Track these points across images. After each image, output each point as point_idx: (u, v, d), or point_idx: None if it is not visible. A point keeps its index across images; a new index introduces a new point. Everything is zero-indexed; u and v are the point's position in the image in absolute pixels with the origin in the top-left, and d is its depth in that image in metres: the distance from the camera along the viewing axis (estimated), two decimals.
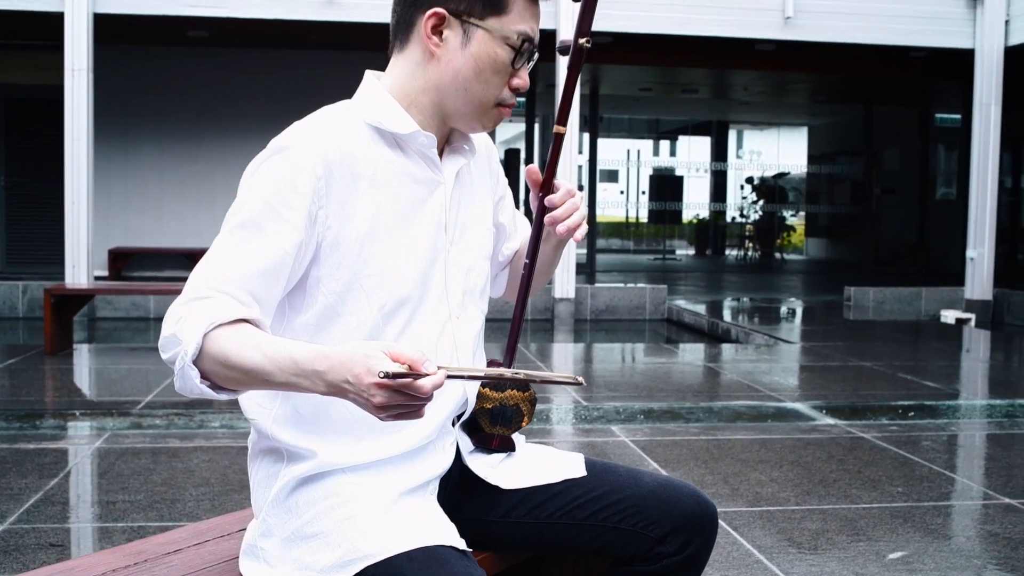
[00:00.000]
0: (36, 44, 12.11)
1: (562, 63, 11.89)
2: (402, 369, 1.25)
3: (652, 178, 21.40)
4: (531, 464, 1.70)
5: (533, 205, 1.68)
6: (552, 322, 11.11)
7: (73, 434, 4.68)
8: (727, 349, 8.14)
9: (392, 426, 1.51)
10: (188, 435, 4.59)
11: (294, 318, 1.52)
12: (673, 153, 28.22)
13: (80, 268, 9.69)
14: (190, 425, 4.81)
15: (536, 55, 1.57)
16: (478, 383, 1.66)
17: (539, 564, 1.87)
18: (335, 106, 1.57)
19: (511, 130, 24.73)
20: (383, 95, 1.55)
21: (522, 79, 1.55)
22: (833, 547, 3.19)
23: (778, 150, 23.28)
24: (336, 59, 12.72)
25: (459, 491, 1.66)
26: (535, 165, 1.67)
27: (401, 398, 1.26)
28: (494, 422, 1.67)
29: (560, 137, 1.67)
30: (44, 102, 12.21)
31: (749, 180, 21.07)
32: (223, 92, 13.15)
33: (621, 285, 12.06)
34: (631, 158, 22.38)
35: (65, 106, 9.92)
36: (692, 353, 8.06)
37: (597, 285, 11.98)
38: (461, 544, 1.47)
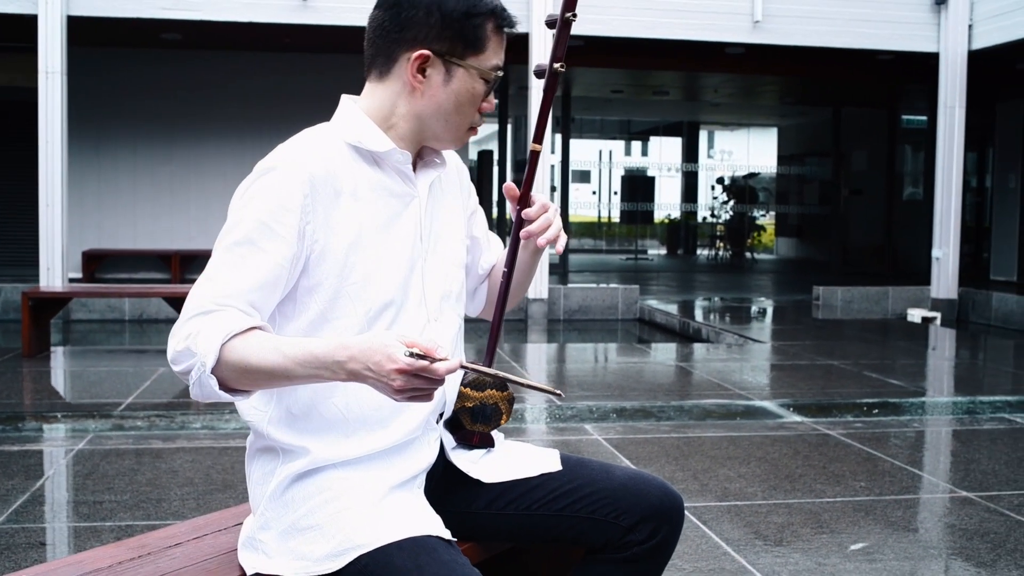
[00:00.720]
0: (10, 46, 12.10)
1: (537, 82, 12.05)
2: (421, 353, 1.38)
3: (624, 179, 21.58)
4: (510, 459, 1.82)
5: (513, 216, 1.81)
6: (526, 322, 11.23)
7: (56, 436, 4.75)
8: (698, 348, 8.29)
9: (379, 423, 1.65)
10: (170, 436, 4.67)
11: (285, 325, 1.63)
12: (645, 154, 28.44)
13: (55, 271, 9.72)
14: (171, 427, 4.89)
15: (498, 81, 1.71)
16: (456, 384, 1.77)
17: (517, 555, 1.98)
18: (316, 128, 1.68)
19: (483, 131, 24.83)
20: (361, 117, 1.67)
21: (489, 103, 1.70)
22: (797, 539, 3.33)
23: (748, 151, 23.53)
24: (310, 61, 12.80)
25: (444, 485, 1.77)
26: (511, 183, 1.79)
27: (418, 381, 1.40)
28: (475, 420, 1.79)
29: (536, 154, 1.79)
30: (18, 104, 12.21)
31: (720, 180, 21.29)
32: (197, 94, 13.18)
33: (594, 285, 12.20)
34: (603, 159, 22.54)
35: (39, 108, 9.95)
36: (663, 353, 8.21)
37: (570, 285, 12.11)
38: (446, 534, 1.58)
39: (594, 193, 23.98)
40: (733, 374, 6.74)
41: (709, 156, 29.63)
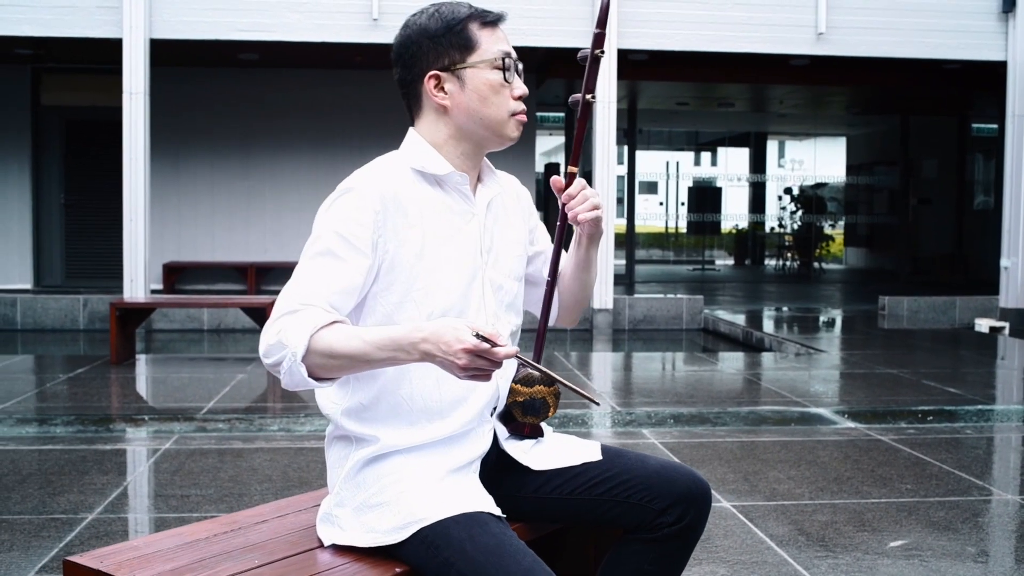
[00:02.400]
0: (96, 68, 12.68)
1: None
2: (487, 335, 1.62)
3: (691, 189, 21.63)
4: (556, 449, 2.04)
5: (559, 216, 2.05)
6: (591, 332, 11.42)
7: (144, 436, 5.08)
8: (759, 358, 8.41)
9: (439, 413, 1.89)
10: (249, 437, 4.97)
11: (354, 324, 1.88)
12: (712, 164, 28.43)
13: (138, 282, 10.17)
14: (251, 429, 5.19)
15: (520, 65, 1.95)
16: (508, 380, 2.00)
17: (564, 535, 2.20)
18: (387, 156, 1.94)
19: (550, 143, 25.09)
20: (424, 145, 1.94)
21: (520, 88, 1.94)
22: (839, 536, 3.49)
23: (817, 160, 23.41)
24: (380, 78, 13.15)
25: (497, 471, 2.00)
26: (558, 177, 2.02)
27: (480, 362, 1.63)
28: (525, 413, 2.02)
29: (573, 176, 2.02)
30: (103, 123, 12.76)
31: (788, 191, 21.24)
32: (272, 111, 13.63)
33: (658, 296, 12.35)
34: (670, 170, 22.62)
35: (123, 127, 10.43)
36: (724, 362, 8.34)
37: (635, 296, 12.28)
38: (497, 511, 1.81)
39: (661, 204, 24.06)
40: (792, 382, 6.87)
41: (779, 166, 29.53)
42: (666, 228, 23.67)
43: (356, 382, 1.89)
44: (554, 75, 12.64)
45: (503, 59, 1.89)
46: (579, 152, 2.04)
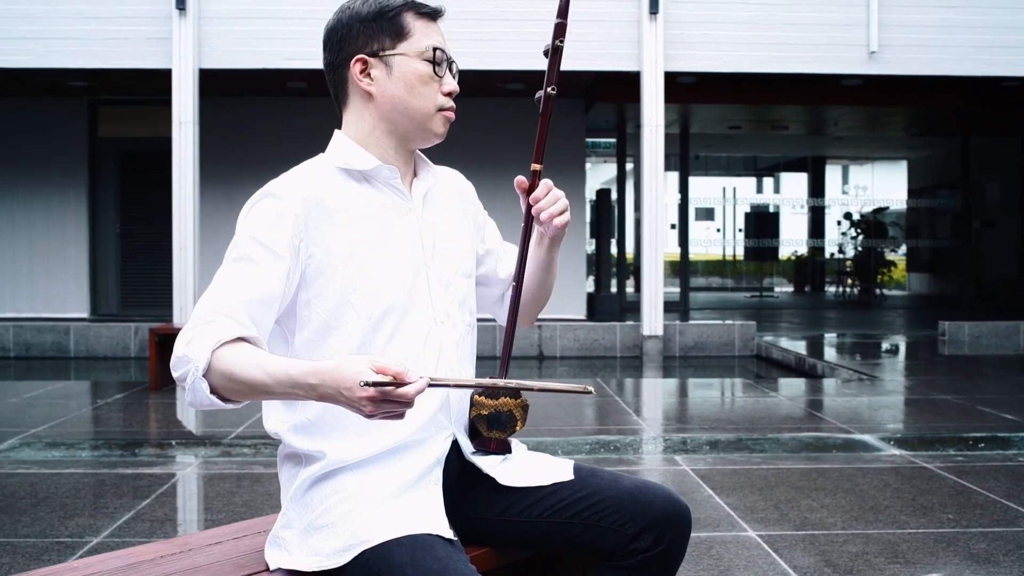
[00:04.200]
0: (149, 99, 12.87)
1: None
2: (385, 379, 1.47)
3: (748, 215, 21.33)
4: (526, 467, 1.90)
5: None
6: (641, 359, 11.24)
7: (167, 461, 5.03)
8: (809, 384, 8.16)
9: (386, 423, 1.75)
10: (271, 463, 4.90)
11: (293, 340, 1.78)
12: (769, 190, 28.06)
13: (186, 310, 10.23)
14: (275, 454, 5.11)
15: (454, 63, 1.86)
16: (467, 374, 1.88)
17: (540, 561, 2.06)
18: (311, 160, 1.85)
19: (604, 172, 24.97)
20: (347, 142, 1.85)
21: (450, 84, 1.84)
22: (869, 568, 3.29)
23: (877, 184, 22.96)
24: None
25: (460, 489, 1.87)
26: (522, 176, 1.91)
27: (388, 405, 1.50)
28: (491, 427, 1.89)
29: (536, 173, 1.91)
30: (156, 153, 12.92)
31: (847, 216, 20.83)
32: (319, 139, 13.66)
33: (710, 322, 12.12)
34: (727, 195, 22.34)
35: (173, 156, 10.55)
36: (772, 388, 8.10)
37: (685, 322, 12.06)
38: (448, 533, 1.68)
39: (718, 230, 23.77)
40: (839, 409, 6.63)
41: (844, 192, 29.04)
42: (723, 255, 23.34)
43: None
44: (603, 100, 12.53)
45: (434, 51, 1.80)
46: (542, 149, 1.93)
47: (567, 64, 11.00)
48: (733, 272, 23.35)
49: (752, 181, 27.25)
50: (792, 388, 7.92)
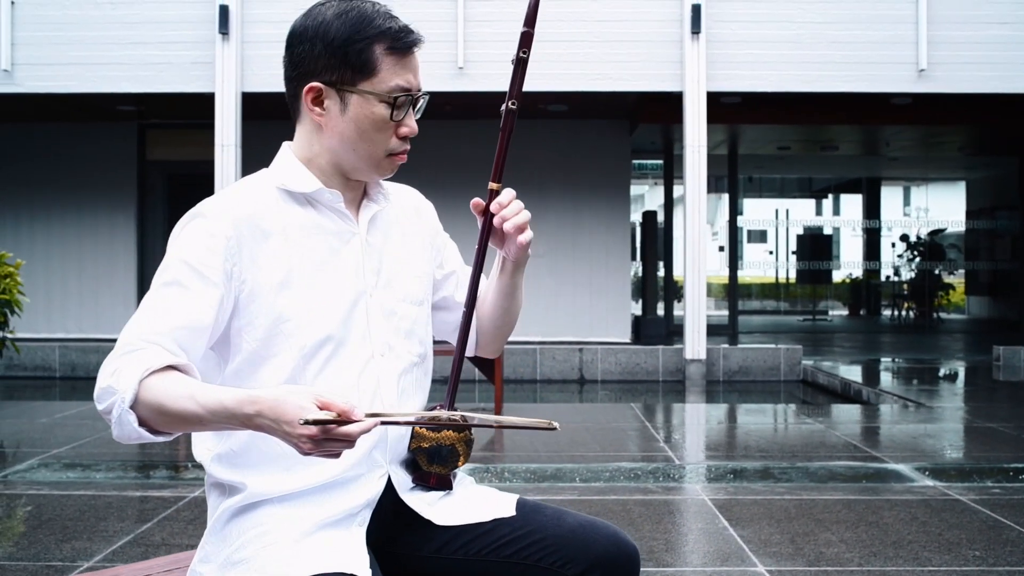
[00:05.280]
0: (195, 123, 13.02)
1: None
2: (329, 416, 1.38)
3: (801, 237, 20.98)
4: (465, 503, 1.79)
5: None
6: (683, 383, 11.04)
7: (179, 483, 4.98)
8: (850, 410, 7.91)
9: (318, 459, 1.65)
10: None
11: (225, 368, 1.68)
12: (822, 212, 27.61)
13: None
14: None
15: (422, 102, 1.72)
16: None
17: None
18: (253, 175, 1.75)
19: (656, 196, 24.76)
20: (290, 160, 1.73)
21: (409, 127, 1.70)
22: None
23: (934, 205, 22.45)
24: (469, 127, 13.15)
25: (395, 525, 1.76)
26: (479, 199, 1.78)
27: (328, 444, 1.40)
28: (431, 461, 1.77)
29: (493, 193, 1.78)
30: (202, 176, 13.04)
31: (903, 238, 20.37)
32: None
33: (754, 345, 11.87)
34: (779, 217, 22.00)
35: (215, 179, 10.63)
36: (810, 414, 7.87)
37: (729, 346, 11.84)
38: (366, 573, 1.57)
39: (770, 253, 23.40)
40: (876, 436, 6.40)
41: (905, 214, 28.44)
42: (776, 277, 22.97)
43: None
44: (647, 121, 12.39)
45: (396, 97, 1.66)
46: (501, 167, 1.80)
47: (608, 86, 10.96)
48: (786, 295, 22.94)
49: (806, 203, 26.83)
50: (832, 414, 7.69)
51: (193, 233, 1.62)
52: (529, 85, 9.21)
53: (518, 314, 1.95)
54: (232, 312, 1.63)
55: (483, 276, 1.92)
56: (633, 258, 16.42)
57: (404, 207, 1.88)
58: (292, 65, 1.70)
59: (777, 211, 22.19)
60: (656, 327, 13.79)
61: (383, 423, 1.45)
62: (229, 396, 1.45)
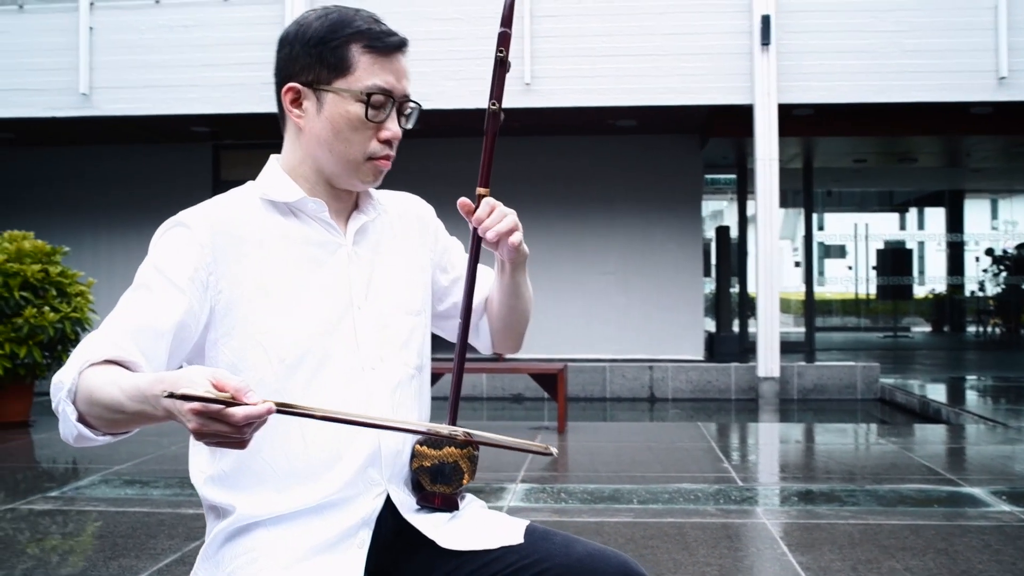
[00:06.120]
0: (267, 143, 13.16)
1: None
2: (212, 395, 1.24)
3: (882, 252, 20.48)
4: (472, 528, 1.70)
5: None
6: (756, 401, 10.80)
7: None
8: (927, 430, 7.63)
9: (310, 476, 1.60)
10: None
11: None
12: (906, 226, 26.93)
13: None
14: None
15: (412, 109, 1.66)
16: (401, 437, 1.68)
17: None
18: (235, 188, 1.70)
19: (734, 211, 24.41)
20: (275, 170, 1.68)
21: (391, 130, 1.64)
22: None
23: (1021, 218, 21.75)
24: (537, 145, 13.09)
25: (398, 550, 1.68)
26: (466, 199, 1.71)
27: (216, 426, 1.26)
28: (434, 480, 1.69)
29: (481, 198, 1.71)
30: None
31: (989, 251, 19.76)
32: (426, 181, 13.75)
33: (830, 363, 11.57)
34: (858, 231, 21.50)
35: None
36: (884, 434, 7.60)
37: (804, 363, 11.56)
38: None
39: (850, 268, 22.89)
40: (951, 458, 6.14)
41: (992, 227, 27.60)
42: (855, 294, 22.44)
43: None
44: (718, 134, 12.20)
45: (371, 94, 1.60)
46: (488, 171, 1.73)
47: (677, 99, 10.81)
48: (867, 311, 22.40)
49: (886, 217, 26.20)
50: (907, 435, 7.41)
51: (169, 240, 1.59)
52: (597, 100, 9.18)
53: (529, 311, 1.89)
54: (208, 323, 1.58)
55: (487, 276, 1.88)
56: (707, 274, 16.20)
57: (403, 214, 1.82)
58: (276, 71, 1.67)
59: (856, 225, 21.71)
60: (730, 344, 13.54)
61: (282, 411, 1.29)
62: (145, 379, 1.36)
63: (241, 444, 1.31)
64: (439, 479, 1.69)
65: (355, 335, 1.65)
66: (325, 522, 1.59)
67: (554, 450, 1.50)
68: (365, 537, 1.62)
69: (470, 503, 1.77)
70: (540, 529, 1.70)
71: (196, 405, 1.24)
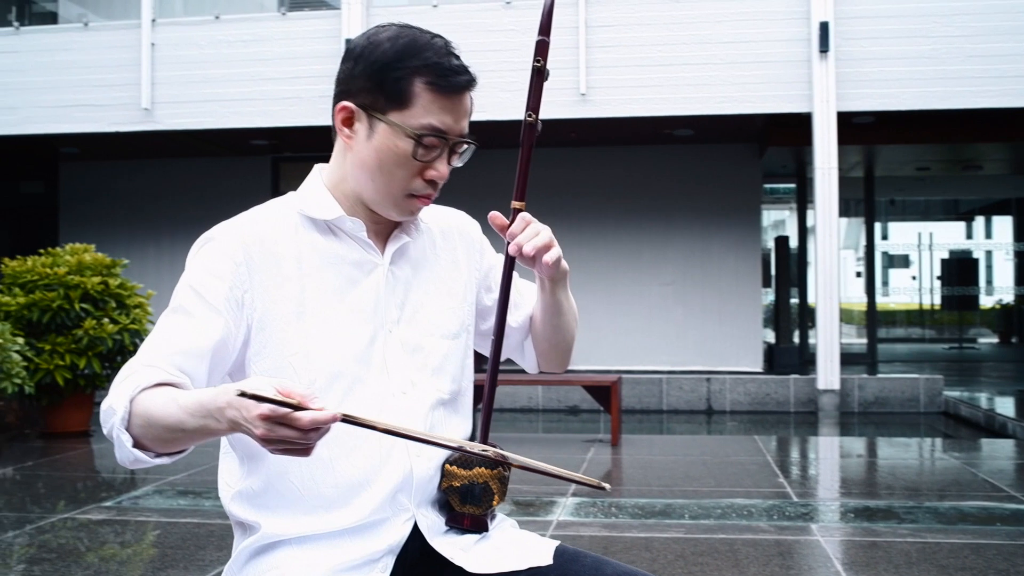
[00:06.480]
0: (324, 155, 13.28)
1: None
2: (281, 399, 1.25)
3: (946, 261, 20.06)
4: (499, 550, 1.66)
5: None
6: (816, 414, 10.63)
7: None
8: (990, 445, 7.43)
9: (338, 500, 1.57)
10: None
11: None
12: (973, 235, 26.37)
13: None
14: None
15: (467, 148, 1.60)
16: (431, 459, 1.64)
17: None
18: (279, 198, 1.67)
19: (778, 215, 24.10)
20: (316, 185, 1.64)
21: (437, 171, 1.58)
22: None
23: None
24: (592, 154, 13.04)
25: (423, 572, 1.65)
26: (497, 212, 1.66)
27: (283, 431, 1.27)
28: (464, 501, 1.65)
29: (516, 212, 1.66)
30: None
31: None
32: (487, 192, 13.75)
33: (891, 375, 11.35)
34: (923, 241, 21.10)
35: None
36: (946, 449, 7.41)
37: (864, 376, 11.35)
38: None
39: (914, 278, 22.45)
40: (1018, 474, 5.96)
41: None
42: (920, 304, 22.00)
43: (250, 463, 1.61)
44: (776, 143, 12.05)
45: (423, 136, 1.54)
46: (524, 185, 1.67)
47: (735, 109, 10.70)
48: (931, 322, 21.94)
49: (951, 226, 25.68)
50: (970, 449, 7.22)
51: (203, 258, 1.57)
52: (654, 110, 9.09)
53: (573, 329, 1.83)
54: (246, 340, 1.57)
55: (530, 294, 1.82)
56: (767, 285, 15.98)
57: (447, 231, 1.77)
58: (336, 82, 1.62)
59: (920, 235, 21.30)
60: (790, 356, 13.34)
61: (346, 420, 1.30)
62: (205, 392, 1.38)
63: (306, 451, 1.30)
64: (469, 500, 1.66)
65: (384, 358, 1.62)
66: (351, 545, 1.57)
67: (607, 486, 1.46)
68: (388, 562, 1.59)
69: (500, 523, 1.73)
70: (570, 550, 1.66)
71: (264, 410, 1.25)
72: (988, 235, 26.91)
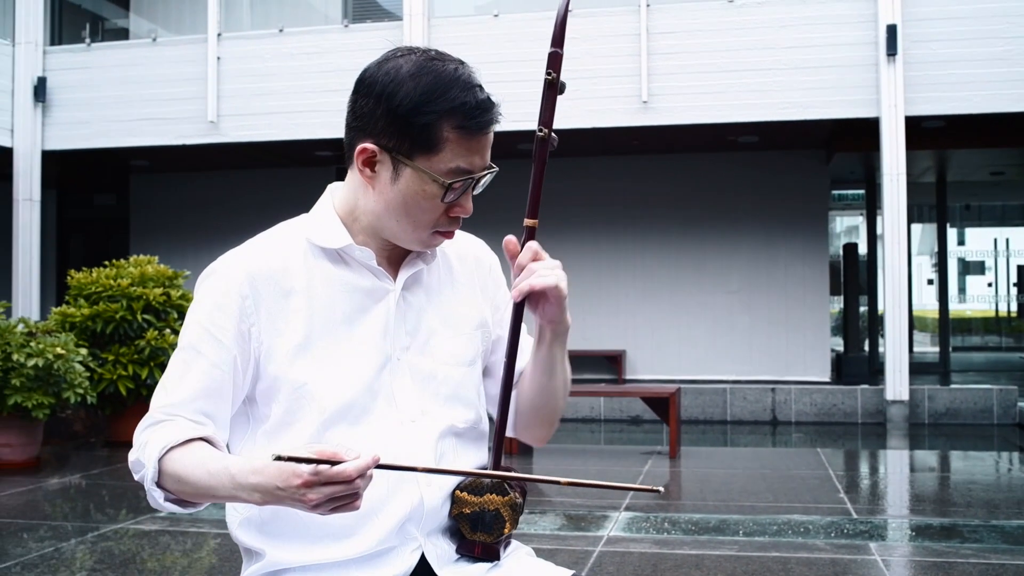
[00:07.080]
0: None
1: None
2: (309, 456, 1.27)
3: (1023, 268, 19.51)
4: None
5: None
6: (884, 426, 10.38)
7: None
8: None
9: (346, 530, 1.53)
10: None
11: (257, 429, 1.58)
12: None
13: None
14: None
15: (488, 176, 1.54)
16: (441, 487, 1.60)
17: None
18: (285, 223, 1.64)
19: (847, 223, 23.64)
20: (326, 211, 1.60)
21: (463, 207, 1.54)
22: None
23: None
24: (655, 161, 12.92)
25: None
26: (512, 237, 1.60)
27: (330, 489, 1.28)
28: (474, 528, 1.61)
29: (530, 230, 1.61)
30: None
31: None
32: (547, 199, 13.69)
33: (963, 386, 11.04)
34: (999, 247, 20.53)
35: None
36: (1018, 463, 7.17)
37: (935, 386, 11.05)
38: None
39: (989, 285, 21.87)
40: None
41: None
42: (996, 312, 21.40)
43: None
44: (844, 149, 11.82)
45: (451, 183, 1.49)
46: (537, 201, 1.61)
47: (801, 114, 10.51)
48: (1008, 330, 21.32)
49: None
50: None
51: (208, 293, 1.56)
52: (717, 117, 8.99)
53: (561, 399, 1.71)
54: (255, 373, 1.55)
55: (526, 348, 1.71)
56: (836, 292, 15.68)
57: (463, 257, 1.72)
58: (352, 115, 1.55)
59: (996, 241, 20.74)
60: (859, 365, 13.05)
61: (382, 466, 1.32)
62: (236, 465, 1.39)
63: (355, 500, 1.32)
64: (479, 527, 1.61)
65: (392, 387, 1.59)
66: (357, 574, 1.54)
67: (661, 488, 1.43)
68: None
69: (514, 551, 1.69)
70: None
71: (308, 476, 1.28)
72: None
